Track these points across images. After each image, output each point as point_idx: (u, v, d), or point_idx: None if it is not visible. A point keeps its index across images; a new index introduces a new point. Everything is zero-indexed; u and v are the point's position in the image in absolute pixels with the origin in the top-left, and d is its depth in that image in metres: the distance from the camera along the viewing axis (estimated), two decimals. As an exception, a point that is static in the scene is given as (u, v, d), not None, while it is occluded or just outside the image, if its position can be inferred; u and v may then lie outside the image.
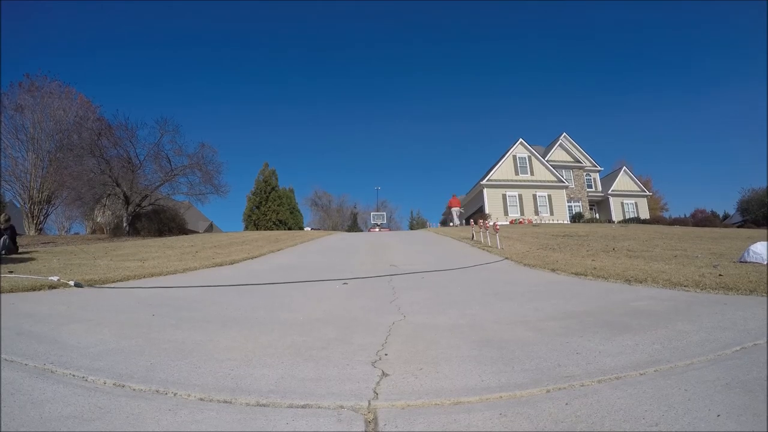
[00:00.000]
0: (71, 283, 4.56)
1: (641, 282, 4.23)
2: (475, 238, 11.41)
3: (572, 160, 34.78)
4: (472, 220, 19.08)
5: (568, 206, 31.92)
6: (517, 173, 31.14)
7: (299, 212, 33.42)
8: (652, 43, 76.58)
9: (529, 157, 31.59)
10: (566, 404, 1.52)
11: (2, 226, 8.33)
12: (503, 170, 31.12)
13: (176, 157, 18.90)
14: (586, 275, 4.86)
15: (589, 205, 34.70)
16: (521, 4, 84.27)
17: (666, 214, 35.97)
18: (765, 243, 5.23)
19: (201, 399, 1.65)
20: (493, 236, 9.91)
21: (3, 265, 6.14)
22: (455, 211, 23.61)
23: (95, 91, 65.27)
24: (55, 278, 4.66)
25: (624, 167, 36.33)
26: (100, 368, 1.97)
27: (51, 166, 19.31)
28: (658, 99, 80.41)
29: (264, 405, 1.59)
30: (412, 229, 37.65)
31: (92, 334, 2.60)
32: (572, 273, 5.10)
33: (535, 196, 30.59)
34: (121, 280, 5.05)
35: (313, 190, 51.99)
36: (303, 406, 1.58)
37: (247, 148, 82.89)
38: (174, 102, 76.57)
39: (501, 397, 1.63)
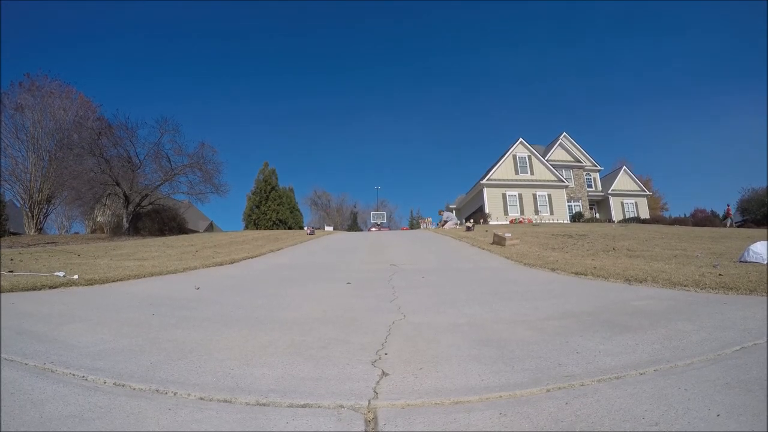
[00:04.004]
0: (76, 277, 4.63)
1: (641, 282, 4.23)
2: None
3: (572, 159, 34.76)
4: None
5: (568, 206, 31.89)
6: (517, 173, 31.11)
7: (299, 211, 33.38)
8: (652, 41, 76.57)
9: (529, 157, 31.56)
10: (566, 404, 1.52)
11: None
12: (503, 170, 31.10)
13: (176, 157, 18.95)
14: (586, 275, 4.86)
15: (589, 204, 34.68)
16: (522, 3, 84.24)
17: (666, 214, 35.98)
18: (765, 243, 5.23)
19: (201, 398, 1.65)
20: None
21: (3, 265, 6.14)
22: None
23: (95, 89, 65.42)
24: (60, 274, 4.71)
25: (624, 167, 36.30)
26: (100, 368, 1.97)
27: (51, 165, 19.30)
28: (658, 98, 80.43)
29: (264, 404, 1.59)
30: (411, 228, 37.63)
31: (92, 333, 2.60)
32: (572, 273, 5.10)
33: (535, 196, 30.57)
34: (121, 280, 5.05)
35: (312, 190, 52.08)
36: (303, 406, 1.58)
37: (247, 147, 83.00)
38: (174, 101, 76.59)
39: (501, 396, 1.63)
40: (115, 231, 17.10)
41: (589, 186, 35.56)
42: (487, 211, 29.24)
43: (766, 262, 4.93)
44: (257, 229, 27.88)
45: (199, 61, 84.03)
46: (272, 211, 30.09)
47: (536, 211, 30.12)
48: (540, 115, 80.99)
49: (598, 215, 34.12)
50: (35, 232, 19.11)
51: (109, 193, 18.05)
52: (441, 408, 1.55)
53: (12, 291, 4.09)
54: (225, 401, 1.63)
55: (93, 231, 21.31)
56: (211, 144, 20.89)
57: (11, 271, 5.34)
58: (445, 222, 21.79)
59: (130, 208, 17.59)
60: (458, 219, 24.58)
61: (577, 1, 78.09)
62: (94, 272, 5.46)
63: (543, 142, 36.73)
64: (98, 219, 21.60)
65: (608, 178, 36.19)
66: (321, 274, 5.95)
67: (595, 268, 5.25)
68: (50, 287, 4.39)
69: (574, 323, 2.71)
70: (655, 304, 3.21)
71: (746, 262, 5.17)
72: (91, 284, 4.68)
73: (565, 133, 35.71)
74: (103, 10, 70.94)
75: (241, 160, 76.37)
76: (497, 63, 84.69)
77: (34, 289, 4.26)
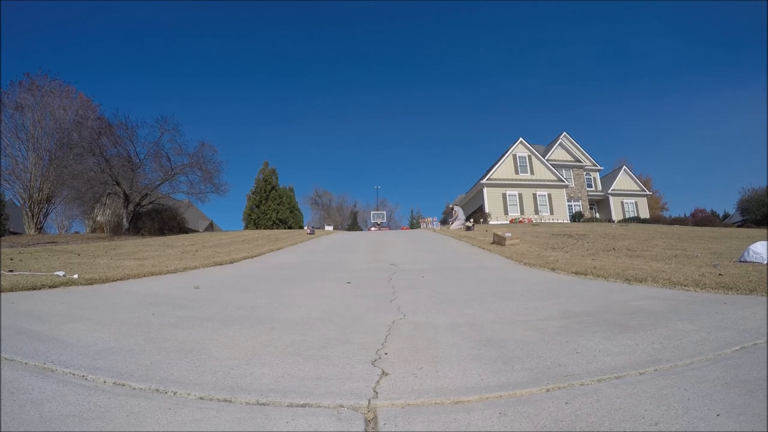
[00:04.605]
0: (75, 276, 4.64)
1: (641, 281, 4.23)
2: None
3: (572, 159, 34.76)
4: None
5: (568, 205, 31.91)
6: (517, 172, 31.12)
7: (299, 211, 33.34)
8: (651, 41, 76.48)
9: (529, 157, 31.57)
10: (566, 403, 1.52)
11: None
12: (503, 169, 31.11)
13: (176, 156, 18.96)
14: (586, 275, 4.86)
15: (589, 204, 34.69)
16: (522, 3, 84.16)
17: (666, 214, 35.97)
18: (765, 243, 5.23)
19: (201, 398, 1.65)
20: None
21: (2, 264, 6.14)
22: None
23: (94, 89, 65.26)
24: (60, 273, 4.72)
25: (624, 167, 36.30)
26: (100, 367, 1.97)
27: (51, 165, 19.30)
28: (658, 98, 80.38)
29: (264, 404, 1.60)
30: (412, 227, 37.63)
31: (92, 332, 2.60)
32: (572, 272, 5.10)
33: (535, 196, 30.59)
34: (121, 279, 5.05)
35: (313, 189, 52.13)
36: (303, 405, 1.58)
37: (247, 147, 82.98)
38: (173, 100, 76.53)
39: (501, 396, 1.63)
40: (115, 230, 17.09)
41: (589, 186, 35.57)
42: (487, 210, 29.26)
43: (766, 262, 4.93)
44: (257, 228, 27.89)
45: (199, 60, 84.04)
46: (272, 211, 30.10)
47: (536, 211, 30.13)
48: (540, 115, 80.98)
49: (598, 215, 34.13)
50: (35, 231, 19.10)
51: (109, 193, 18.06)
52: (441, 407, 1.55)
53: (12, 290, 4.09)
54: (225, 401, 1.63)
55: (93, 230, 21.31)
56: (211, 143, 20.89)
57: (11, 271, 5.34)
58: (455, 218, 20.33)
59: (130, 207, 17.60)
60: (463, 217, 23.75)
61: (578, 1, 78.05)
62: (94, 272, 5.46)
63: (543, 142, 36.76)
64: (98, 218, 21.60)
65: (608, 178, 36.20)
66: (321, 273, 5.95)
67: (595, 267, 5.25)
68: (50, 287, 4.39)
69: (574, 323, 2.71)
70: (655, 303, 3.21)
71: (746, 261, 5.17)
72: (91, 284, 4.68)
73: (565, 132, 35.75)
74: (102, 10, 70.90)
75: (241, 159, 76.44)
76: (498, 63, 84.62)
77: (34, 289, 4.26)
